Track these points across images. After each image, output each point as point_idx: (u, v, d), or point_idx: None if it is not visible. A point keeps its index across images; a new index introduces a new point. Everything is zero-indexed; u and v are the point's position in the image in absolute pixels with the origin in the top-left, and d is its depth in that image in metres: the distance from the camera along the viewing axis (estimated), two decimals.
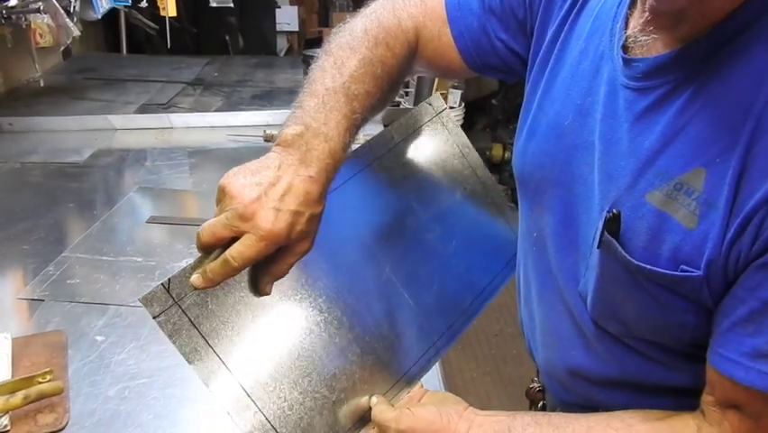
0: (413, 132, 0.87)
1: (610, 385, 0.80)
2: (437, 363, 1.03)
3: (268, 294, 0.68)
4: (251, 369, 0.67)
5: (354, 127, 0.74)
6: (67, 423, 0.89)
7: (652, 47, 0.67)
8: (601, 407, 0.80)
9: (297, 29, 3.91)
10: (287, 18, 3.81)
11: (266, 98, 2.36)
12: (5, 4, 1.88)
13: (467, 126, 3.83)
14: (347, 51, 0.80)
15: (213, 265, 0.63)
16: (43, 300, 1.16)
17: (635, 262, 0.67)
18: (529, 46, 0.87)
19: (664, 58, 0.65)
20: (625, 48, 0.70)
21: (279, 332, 0.71)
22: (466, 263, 0.85)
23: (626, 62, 0.69)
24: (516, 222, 0.89)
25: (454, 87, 3.50)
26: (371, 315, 0.76)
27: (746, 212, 0.58)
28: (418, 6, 0.91)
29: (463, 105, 3.70)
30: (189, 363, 0.64)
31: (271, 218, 0.63)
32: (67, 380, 0.96)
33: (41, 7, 1.98)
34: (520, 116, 0.88)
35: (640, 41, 0.68)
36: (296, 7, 3.89)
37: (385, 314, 0.77)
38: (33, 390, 0.89)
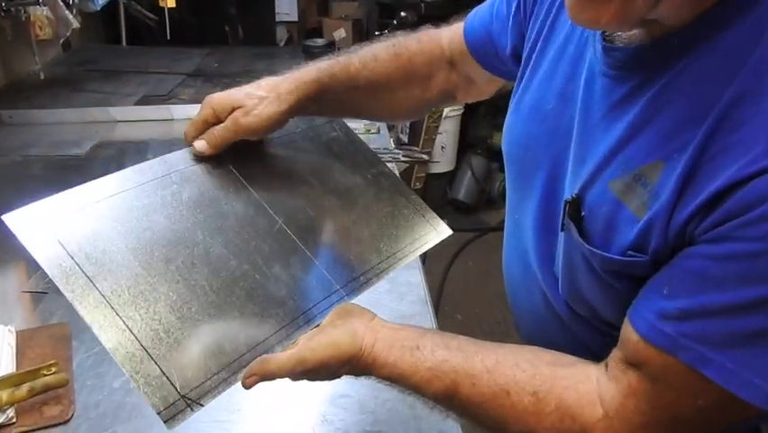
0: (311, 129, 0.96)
1: None
2: None
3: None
4: (122, 288, 0.67)
5: (343, 70, 0.91)
6: (72, 415, 0.89)
7: (633, 36, 0.67)
8: None
9: (296, 19, 3.90)
10: (286, 8, 3.80)
11: None
12: None
13: (468, 114, 3.82)
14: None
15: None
16: (47, 293, 1.16)
17: (587, 246, 0.69)
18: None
19: (640, 48, 0.66)
20: (607, 36, 0.70)
21: (157, 259, 0.71)
22: (370, 231, 0.88)
23: (606, 50, 0.70)
24: (423, 207, 0.96)
25: None
26: (261, 256, 0.77)
27: (696, 205, 0.59)
28: (457, 24, 1.02)
29: None
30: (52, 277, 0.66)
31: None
32: (72, 372, 0.97)
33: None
34: (512, 93, 0.90)
35: (621, 31, 0.68)
36: None
37: (277, 258, 0.78)
38: (38, 382, 0.89)
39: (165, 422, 0.63)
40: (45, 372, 0.91)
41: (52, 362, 0.92)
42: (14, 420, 0.87)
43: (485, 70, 0.99)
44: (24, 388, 0.88)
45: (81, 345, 1.03)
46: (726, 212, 0.56)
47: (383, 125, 1.97)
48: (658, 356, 0.62)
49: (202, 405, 0.66)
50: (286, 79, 0.85)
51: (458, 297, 3.16)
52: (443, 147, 3.74)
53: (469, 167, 3.91)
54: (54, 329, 1.06)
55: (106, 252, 0.69)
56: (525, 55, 0.88)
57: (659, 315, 0.62)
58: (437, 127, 3.41)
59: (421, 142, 3.34)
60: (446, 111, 3.47)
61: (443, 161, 3.81)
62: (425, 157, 2.12)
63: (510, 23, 0.91)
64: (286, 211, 0.82)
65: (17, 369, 0.95)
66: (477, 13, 0.99)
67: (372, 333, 0.74)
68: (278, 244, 0.79)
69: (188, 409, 0.65)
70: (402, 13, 3.73)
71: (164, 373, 0.65)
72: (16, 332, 1.03)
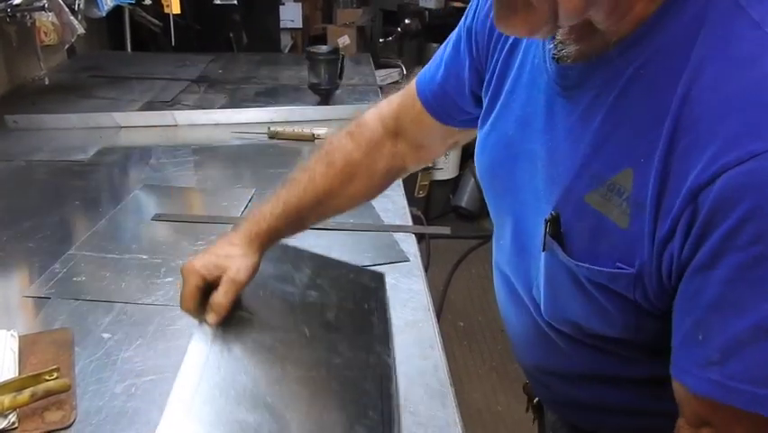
0: None
1: (579, 380, 0.81)
2: (444, 359, 1.03)
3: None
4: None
5: (288, 207, 0.97)
6: (74, 420, 0.89)
7: (582, 54, 0.68)
8: (577, 402, 0.83)
9: (300, 26, 3.91)
10: (290, 15, 3.81)
11: (270, 95, 2.36)
12: (10, 2, 1.88)
13: None
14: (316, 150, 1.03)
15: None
16: (49, 298, 1.16)
17: (574, 261, 0.69)
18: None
19: (590, 64, 0.67)
20: (557, 58, 0.72)
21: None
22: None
23: (558, 71, 0.71)
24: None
25: None
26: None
27: (674, 214, 0.58)
28: (402, 91, 1.02)
29: None
30: None
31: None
32: (74, 377, 0.97)
33: (46, 5, 1.98)
34: (478, 129, 0.91)
35: (567, 50, 0.70)
36: (299, 4, 3.89)
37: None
38: (40, 387, 0.89)
39: None
40: (47, 377, 0.91)
41: (54, 367, 0.92)
42: (16, 425, 0.87)
43: (443, 125, 0.98)
44: (26, 393, 0.88)
45: (83, 350, 1.03)
46: (703, 224, 0.56)
47: None
48: (720, 407, 0.59)
49: None
50: (249, 233, 0.96)
51: (460, 304, 3.16)
52: (446, 154, 3.74)
53: (472, 174, 3.91)
54: (56, 334, 1.06)
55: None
56: (485, 93, 0.88)
57: (702, 364, 0.59)
58: None
59: None
60: None
61: (446, 168, 3.81)
62: (429, 164, 2.12)
63: (467, 72, 0.91)
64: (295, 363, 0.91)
65: (19, 374, 0.95)
66: (426, 74, 0.98)
67: None
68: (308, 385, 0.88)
69: None
70: (406, 21, 3.74)
71: None
72: (19, 337, 1.03)
